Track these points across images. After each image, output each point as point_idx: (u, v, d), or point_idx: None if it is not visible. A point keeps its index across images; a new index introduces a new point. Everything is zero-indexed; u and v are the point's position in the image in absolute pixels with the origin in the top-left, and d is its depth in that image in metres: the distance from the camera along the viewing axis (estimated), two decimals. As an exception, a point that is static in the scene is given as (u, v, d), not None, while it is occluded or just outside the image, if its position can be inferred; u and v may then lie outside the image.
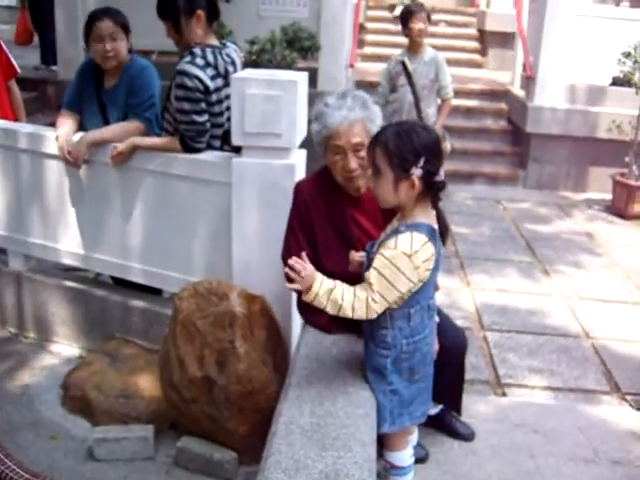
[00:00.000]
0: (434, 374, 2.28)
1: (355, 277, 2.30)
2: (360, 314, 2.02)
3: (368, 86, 7.79)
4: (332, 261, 2.55)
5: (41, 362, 3.85)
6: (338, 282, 2.06)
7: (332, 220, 2.54)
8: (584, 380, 3.64)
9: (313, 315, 2.56)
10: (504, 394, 3.51)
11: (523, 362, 3.80)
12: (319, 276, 2.05)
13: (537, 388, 3.57)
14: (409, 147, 1.95)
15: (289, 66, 6.28)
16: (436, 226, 2.05)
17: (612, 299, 4.69)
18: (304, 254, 2.08)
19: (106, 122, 3.56)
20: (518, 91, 8.08)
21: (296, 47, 6.60)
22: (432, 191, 2.00)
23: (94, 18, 3.47)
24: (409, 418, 2.19)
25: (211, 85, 3.16)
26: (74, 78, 3.66)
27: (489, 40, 10.31)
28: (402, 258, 1.94)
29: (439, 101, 5.41)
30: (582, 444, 3.03)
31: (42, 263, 4.07)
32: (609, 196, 6.87)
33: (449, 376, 2.67)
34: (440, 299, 2.33)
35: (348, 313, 2.02)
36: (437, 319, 2.51)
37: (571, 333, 4.17)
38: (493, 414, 3.23)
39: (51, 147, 3.58)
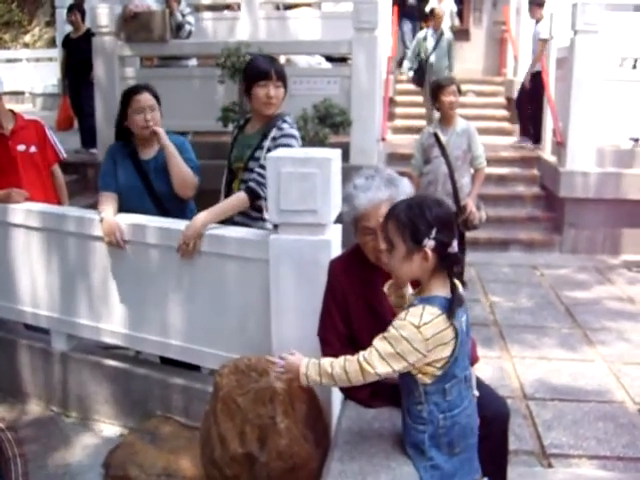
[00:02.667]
0: (477, 445, 2.26)
1: None
2: (356, 377, 2.08)
3: (400, 158, 7.95)
4: (367, 339, 2.57)
5: (82, 441, 3.89)
6: (324, 358, 2.16)
7: (366, 298, 2.59)
8: (633, 448, 3.54)
9: (354, 389, 2.57)
10: (550, 465, 3.43)
11: (568, 431, 3.71)
12: (304, 359, 2.19)
13: (584, 457, 3.48)
14: (421, 219, 2.02)
15: (322, 142, 6.43)
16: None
17: (657, 364, 4.59)
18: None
19: (151, 191, 3.69)
20: (549, 157, 8.15)
21: (328, 123, 6.76)
22: (446, 263, 2.03)
23: (133, 92, 3.72)
24: None
25: None
26: (105, 161, 3.81)
27: (518, 109, 10.45)
28: (410, 328, 1.99)
29: (472, 171, 5.48)
30: (635, 518, 2.94)
31: (84, 342, 4.15)
32: (647, 257, 6.82)
33: (492, 447, 2.62)
34: (480, 369, 2.33)
35: (343, 379, 2.10)
36: (477, 392, 2.50)
37: (616, 399, 4.08)
38: (541, 487, 3.15)
39: (95, 229, 3.71)
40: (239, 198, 3.47)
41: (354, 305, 2.62)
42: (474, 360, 2.59)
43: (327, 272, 2.73)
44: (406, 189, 2.55)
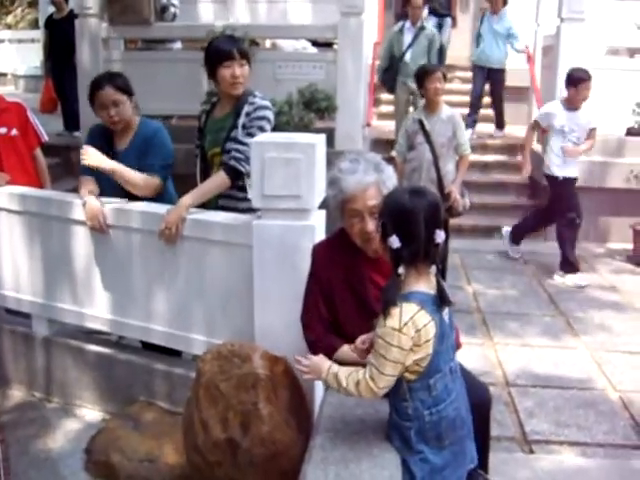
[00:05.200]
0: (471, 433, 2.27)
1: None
2: (366, 394, 2.07)
3: (385, 144, 7.93)
4: (351, 324, 2.58)
5: (65, 426, 3.86)
6: (343, 368, 2.14)
7: (350, 283, 2.58)
8: (613, 435, 3.57)
9: None
10: (531, 451, 3.45)
11: (550, 418, 3.74)
12: (326, 364, 2.16)
13: (565, 444, 3.51)
14: (387, 213, 2.04)
15: (307, 127, 6.40)
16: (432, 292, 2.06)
17: (639, 351, 4.62)
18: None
19: (120, 186, 3.62)
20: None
21: (313, 108, 6.73)
22: (433, 254, 2.02)
23: (95, 87, 3.62)
24: None
25: None
26: (85, 143, 3.77)
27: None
28: (391, 334, 1.97)
29: (457, 158, 5.48)
30: (614, 503, 2.97)
31: (66, 327, 4.12)
32: (630, 246, 6.85)
33: (475, 434, 2.64)
34: (463, 356, 2.33)
35: (355, 394, 2.08)
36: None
37: (598, 387, 4.11)
38: (521, 473, 3.17)
39: (78, 213, 3.67)
40: (219, 177, 3.44)
41: (338, 291, 2.61)
42: (457, 347, 2.60)
43: (310, 256, 2.72)
44: (392, 176, 2.55)
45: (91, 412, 3.97)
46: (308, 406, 2.97)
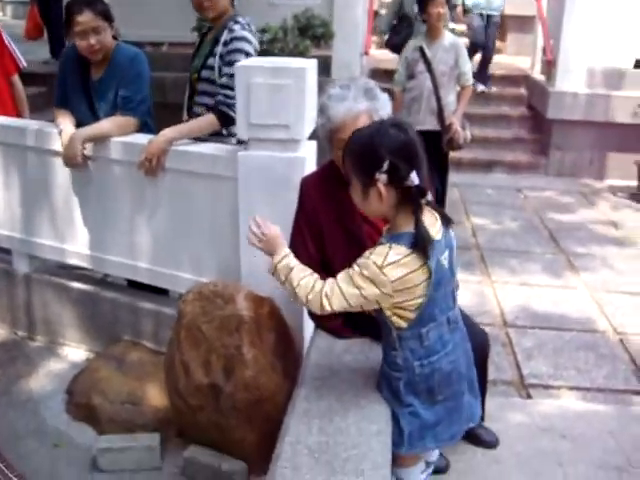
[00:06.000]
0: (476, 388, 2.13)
1: None
2: (313, 306, 1.89)
3: (383, 74, 7.60)
4: (340, 260, 2.40)
5: (47, 366, 3.73)
6: (300, 266, 1.95)
7: (340, 218, 2.38)
8: (613, 380, 3.46)
9: (324, 318, 2.42)
10: (529, 396, 3.34)
11: (548, 361, 3.62)
12: (284, 248, 1.98)
13: (563, 388, 3.40)
14: (371, 150, 1.79)
15: (302, 54, 6.10)
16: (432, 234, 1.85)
17: (640, 292, 4.49)
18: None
19: (95, 117, 3.39)
20: (538, 76, 7.86)
21: (309, 35, 6.42)
22: (409, 198, 1.80)
23: (73, 11, 3.24)
24: (433, 440, 2.00)
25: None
26: (58, 71, 3.50)
27: (508, 25, 10.02)
28: (372, 269, 1.78)
29: (458, 88, 5.21)
30: (613, 450, 2.86)
31: (47, 264, 3.95)
32: (634, 182, 6.65)
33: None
34: (460, 294, 2.15)
35: (302, 301, 1.90)
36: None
37: (598, 329, 3.99)
38: (518, 418, 3.06)
39: (56, 144, 3.44)
40: (208, 119, 3.20)
41: (327, 226, 2.42)
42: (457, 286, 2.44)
43: (299, 189, 2.52)
44: (385, 105, 2.32)
45: (75, 351, 3.84)
46: (295, 349, 2.82)
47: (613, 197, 6.65)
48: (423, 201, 1.81)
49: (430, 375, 1.90)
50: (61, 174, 3.54)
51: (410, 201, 1.79)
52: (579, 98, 6.97)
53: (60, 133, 3.37)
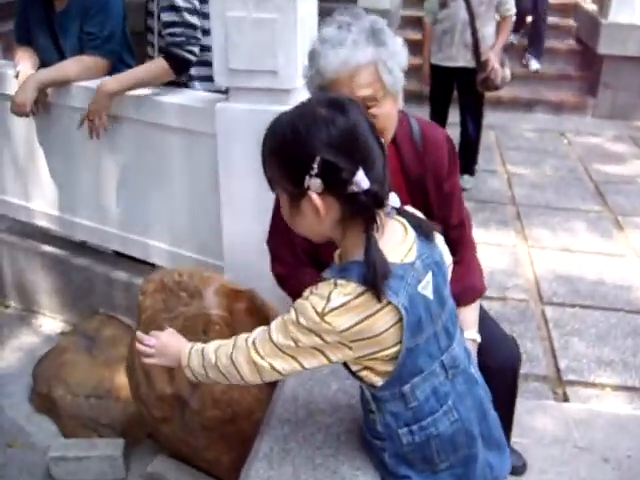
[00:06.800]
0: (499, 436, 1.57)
1: None
2: (250, 373, 1.31)
3: (415, 2, 6.85)
4: (332, 252, 1.87)
5: (18, 339, 3.31)
6: (215, 341, 1.42)
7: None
8: (669, 377, 2.91)
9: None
10: (565, 396, 2.81)
11: (590, 350, 3.08)
12: (186, 345, 1.45)
13: (608, 387, 2.86)
14: (295, 145, 1.19)
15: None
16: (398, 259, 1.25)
17: (702, 262, 3.88)
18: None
19: (61, 56, 2.85)
20: (589, 5, 7.02)
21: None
22: (356, 209, 1.19)
23: None
24: None
25: None
26: (17, 3, 2.95)
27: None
28: (309, 314, 1.21)
29: (498, 18, 4.52)
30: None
31: (20, 224, 3.47)
32: (694, 129, 5.93)
33: (497, 401, 1.97)
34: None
35: (234, 373, 1.33)
36: (478, 338, 1.83)
37: (650, 309, 3.42)
38: (550, 430, 2.53)
39: (13, 88, 2.91)
40: (157, 65, 2.59)
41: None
42: (479, 292, 1.89)
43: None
44: (398, 54, 1.70)
45: (51, 322, 3.41)
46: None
47: (670, 144, 5.94)
48: (381, 212, 1.22)
49: (425, 443, 1.35)
50: (23, 123, 3.02)
51: (359, 214, 1.21)
52: (636, 31, 6.17)
53: (17, 75, 2.84)
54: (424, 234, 1.32)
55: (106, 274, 3.12)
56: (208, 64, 2.48)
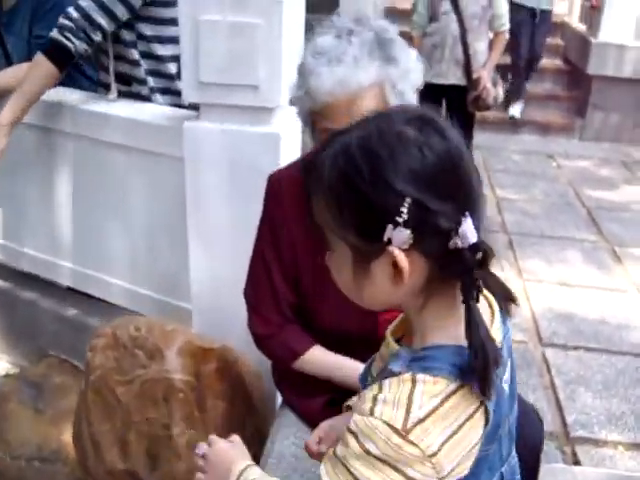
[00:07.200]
0: None
1: (367, 335, 1.39)
2: None
3: (400, 15, 6.58)
4: (329, 309, 1.54)
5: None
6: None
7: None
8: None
9: (299, 394, 1.59)
10: (575, 457, 2.49)
11: (598, 401, 2.77)
12: (241, 460, 1.03)
13: (621, 446, 2.55)
14: (373, 182, 0.81)
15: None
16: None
17: None
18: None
19: (8, 61, 2.50)
20: (578, 24, 6.83)
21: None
22: (455, 270, 0.83)
23: None
24: None
25: None
26: None
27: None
28: (383, 437, 0.81)
29: (491, 35, 4.25)
30: None
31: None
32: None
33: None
34: None
35: None
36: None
37: (659, 353, 3.13)
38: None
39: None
40: (37, 64, 2.20)
41: (308, 252, 1.54)
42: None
43: (265, 192, 1.62)
44: (413, 71, 1.37)
45: (-5, 361, 3.03)
46: (260, 411, 1.97)
47: (660, 170, 5.72)
48: (479, 275, 0.84)
49: None
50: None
51: (455, 278, 0.84)
52: (626, 51, 5.99)
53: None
54: (505, 306, 0.95)
55: (56, 311, 2.74)
56: (167, 76, 2.15)
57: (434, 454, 0.81)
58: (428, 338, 0.88)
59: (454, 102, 4.32)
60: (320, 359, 1.52)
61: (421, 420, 0.81)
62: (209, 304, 2.14)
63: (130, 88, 2.36)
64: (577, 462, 2.47)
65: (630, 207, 4.88)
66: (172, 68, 2.32)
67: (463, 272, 0.82)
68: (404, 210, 0.79)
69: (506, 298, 0.91)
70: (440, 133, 0.84)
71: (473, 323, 0.83)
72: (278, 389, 1.67)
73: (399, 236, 0.80)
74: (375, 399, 0.84)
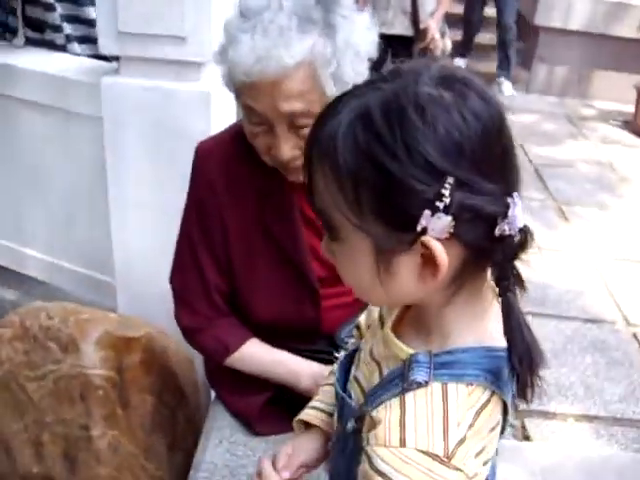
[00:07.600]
0: None
1: (309, 326, 1.34)
2: None
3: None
4: (264, 299, 1.36)
5: None
6: None
7: (265, 223, 1.31)
8: (633, 402, 2.56)
9: (234, 392, 1.42)
10: (525, 430, 2.42)
11: (547, 370, 2.68)
12: None
13: (571, 418, 2.48)
14: (406, 157, 0.62)
15: None
16: (499, 342, 0.73)
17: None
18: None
19: None
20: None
21: None
22: (496, 259, 0.69)
23: None
24: None
25: None
26: None
27: None
28: (428, 470, 0.67)
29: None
30: None
31: None
32: (630, 108, 5.66)
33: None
34: None
35: None
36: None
37: (606, 318, 3.06)
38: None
39: None
40: None
41: (242, 234, 1.34)
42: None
43: (193, 163, 1.41)
44: (359, 42, 1.18)
45: None
46: (191, 401, 1.80)
47: (605, 125, 5.67)
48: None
49: None
50: None
51: (491, 268, 0.72)
52: (575, 3, 5.86)
53: None
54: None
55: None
56: (86, 22, 1.89)
57: (475, 475, 0.71)
58: (452, 339, 0.74)
59: (400, 54, 4.12)
60: (256, 355, 1.35)
61: (462, 441, 0.69)
62: (134, 279, 1.94)
63: (43, 35, 2.10)
64: (527, 436, 2.40)
65: (575, 164, 4.82)
66: (92, 13, 2.06)
67: (504, 261, 0.69)
68: (445, 193, 0.63)
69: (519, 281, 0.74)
70: (480, 94, 0.66)
71: (515, 323, 0.71)
72: (210, 385, 1.49)
73: (438, 224, 0.64)
74: (403, 425, 0.69)
